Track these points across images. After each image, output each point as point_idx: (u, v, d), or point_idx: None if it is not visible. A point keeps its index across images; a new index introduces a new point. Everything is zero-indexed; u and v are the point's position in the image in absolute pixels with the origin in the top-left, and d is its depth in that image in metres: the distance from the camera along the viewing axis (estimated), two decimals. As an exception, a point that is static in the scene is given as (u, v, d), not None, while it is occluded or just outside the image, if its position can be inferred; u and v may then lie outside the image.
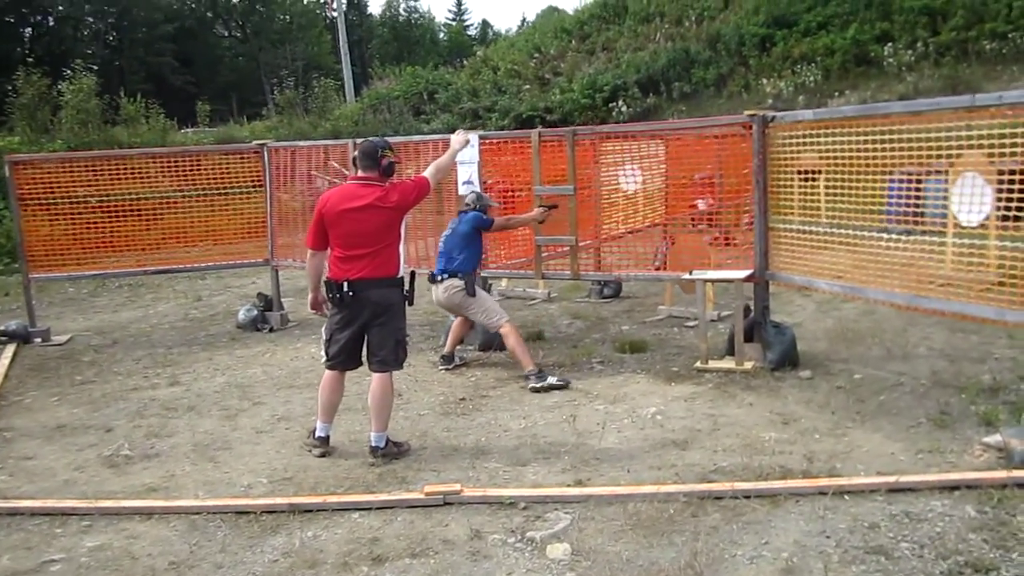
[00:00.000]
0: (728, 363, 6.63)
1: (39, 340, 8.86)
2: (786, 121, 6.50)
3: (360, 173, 5.21)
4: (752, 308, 6.78)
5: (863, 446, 4.90)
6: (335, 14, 35.01)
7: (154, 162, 9.66)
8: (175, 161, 9.51)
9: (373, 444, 5.17)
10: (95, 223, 9.22)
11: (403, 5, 65.15)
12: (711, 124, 7.79)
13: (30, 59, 18.85)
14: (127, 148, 16.36)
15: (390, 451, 5.17)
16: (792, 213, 6.53)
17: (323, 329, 5.44)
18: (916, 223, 5.86)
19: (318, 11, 58.21)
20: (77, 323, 10.03)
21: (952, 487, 4.22)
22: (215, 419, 6.15)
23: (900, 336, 7.22)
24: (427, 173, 5.51)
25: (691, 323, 8.02)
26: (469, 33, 68.93)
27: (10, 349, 8.47)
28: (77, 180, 9.13)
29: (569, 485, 4.58)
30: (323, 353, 5.39)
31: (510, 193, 8.09)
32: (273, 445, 5.54)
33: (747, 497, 4.25)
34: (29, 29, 44.92)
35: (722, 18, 23.98)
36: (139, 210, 9.28)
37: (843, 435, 5.10)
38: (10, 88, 18.68)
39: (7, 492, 4.95)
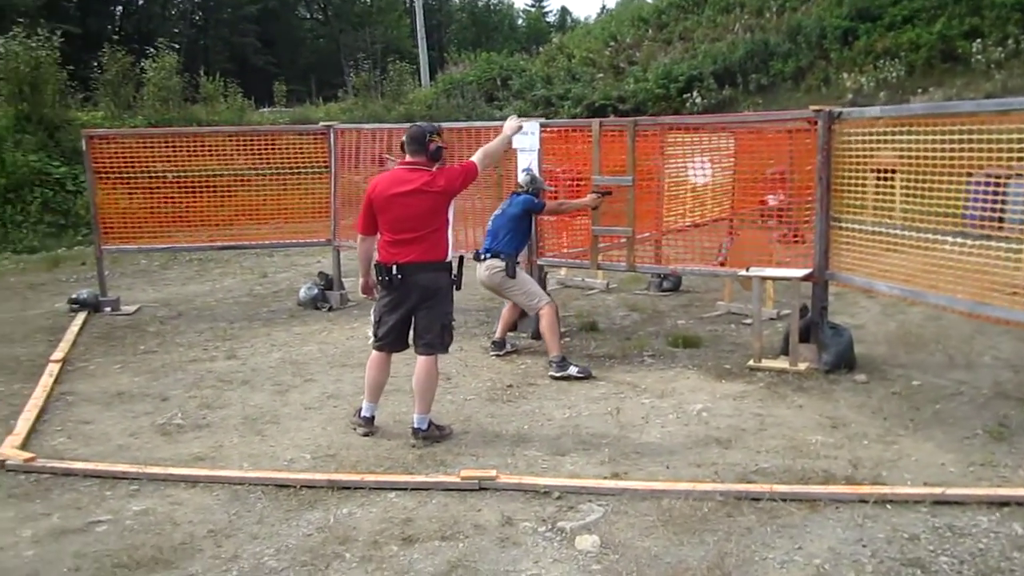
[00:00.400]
0: (782, 363, 6.50)
1: (108, 309, 9.17)
2: (853, 117, 6.32)
3: (408, 158, 5.24)
4: (810, 308, 6.64)
5: (912, 455, 4.76)
6: (413, -2, 35.21)
7: (230, 140, 9.88)
8: (248, 140, 9.71)
9: (415, 426, 5.24)
10: (170, 198, 9.48)
11: (483, -10, 65.16)
12: (776, 119, 7.65)
13: (115, 37, 19.33)
14: (204, 126, 16.79)
15: (432, 434, 5.23)
16: (856, 212, 6.36)
17: (372, 311, 5.50)
18: (998, 227, 5.62)
19: (399, -5, 58.63)
20: (146, 294, 10.34)
21: (1002, 503, 4.08)
22: (267, 393, 6.28)
23: (965, 344, 6.98)
24: (475, 158, 5.48)
25: (749, 321, 7.85)
26: (548, 20, 68.67)
27: (80, 317, 8.78)
28: (152, 155, 9.40)
29: (606, 477, 4.56)
30: (372, 334, 5.46)
31: (574, 182, 8.03)
32: (320, 422, 5.64)
33: (785, 500, 4.17)
34: (120, 7, 46.25)
35: (804, 9, 23.44)
36: (214, 186, 9.51)
37: (893, 442, 4.96)
38: (96, 65, 19.25)
39: (64, 453, 5.15)
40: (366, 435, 5.34)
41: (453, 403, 5.96)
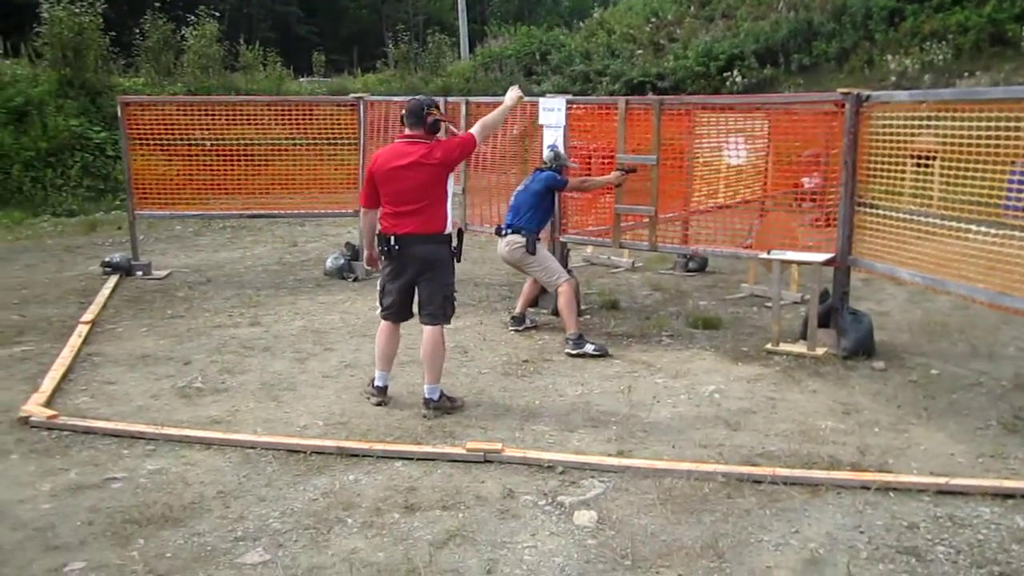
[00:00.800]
0: (800, 347, 6.48)
1: (140, 273, 9.35)
2: (881, 101, 6.23)
3: (407, 131, 5.32)
4: (831, 293, 6.59)
5: (922, 444, 4.74)
6: (455, -30, 35.02)
7: (265, 110, 10.00)
8: (282, 110, 9.81)
9: (427, 396, 5.34)
10: (205, 165, 9.62)
11: (527, -37, 64.55)
12: (803, 100, 7.55)
13: (158, 4, 19.50)
14: (243, 95, 16.94)
15: (443, 404, 5.32)
16: (884, 197, 6.28)
17: (378, 281, 5.59)
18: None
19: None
20: (178, 259, 10.52)
21: (1006, 495, 4.05)
22: (287, 361, 6.39)
23: (990, 334, 6.90)
24: (474, 130, 5.56)
25: (771, 303, 7.83)
26: (592, -6, 67.93)
27: (112, 280, 8.97)
28: (187, 123, 9.53)
29: (610, 455, 4.59)
30: (377, 304, 5.56)
31: (603, 160, 7.98)
32: (335, 390, 5.74)
33: (786, 484, 4.18)
34: (165, -27, 46.54)
35: (850, -12, 22.93)
36: (249, 155, 9.63)
37: (904, 431, 4.94)
38: (138, 31, 19.46)
39: (86, 412, 5.30)
40: (379, 404, 5.43)
41: (468, 376, 6.02)
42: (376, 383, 5.52)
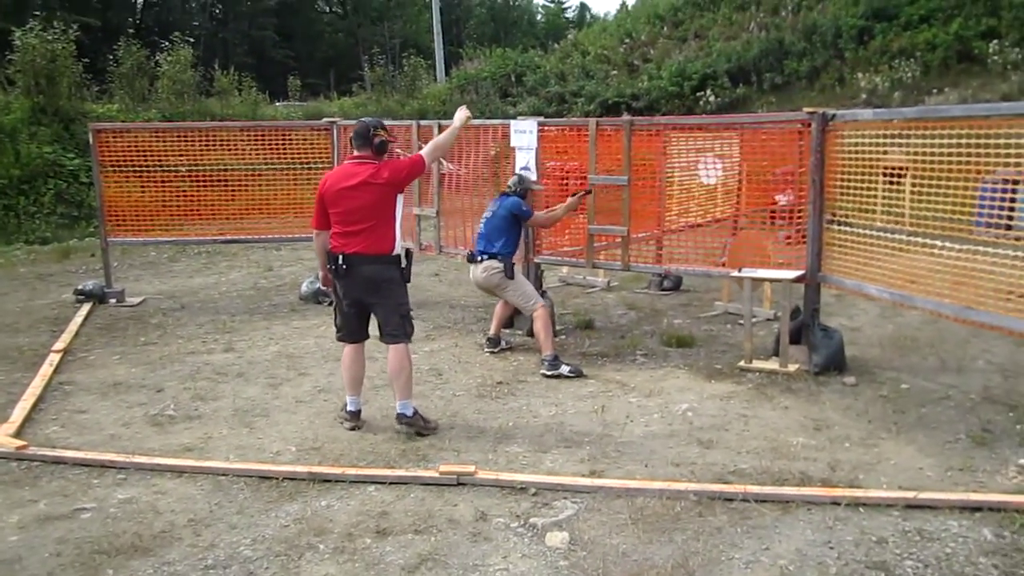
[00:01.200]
0: (772, 364, 6.53)
1: (113, 301, 9.29)
2: (847, 120, 6.33)
3: (355, 152, 5.40)
4: (802, 310, 6.65)
5: (892, 459, 4.78)
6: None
7: (242, 134, 10.00)
8: (259, 134, 9.81)
9: (399, 411, 5.35)
10: (178, 191, 9.61)
11: (502, -14, 65.10)
12: (772, 120, 7.63)
13: (131, 30, 19.52)
14: (218, 119, 16.93)
15: (416, 421, 5.34)
16: (853, 214, 6.36)
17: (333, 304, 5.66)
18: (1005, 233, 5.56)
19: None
20: (152, 286, 10.46)
21: (974, 508, 4.09)
22: (260, 387, 6.37)
23: (960, 348, 6.98)
24: (424, 151, 5.60)
25: (744, 321, 7.89)
26: (567, 16, 68.55)
27: (85, 308, 8.91)
28: (160, 149, 9.53)
29: (583, 475, 4.60)
30: (335, 328, 5.63)
31: (580, 181, 8.01)
32: (308, 416, 5.72)
33: (758, 501, 4.20)
34: (141, 0, 46.58)
35: (820, 8, 23.28)
36: (224, 180, 9.61)
37: (874, 446, 4.98)
38: (111, 58, 19.43)
39: (56, 442, 5.25)
40: (352, 429, 5.43)
41: (442, 398, 6.02)
42: (348, 408, 5.51)
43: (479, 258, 7.05)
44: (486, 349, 7.25)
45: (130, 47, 19.21)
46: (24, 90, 16.46)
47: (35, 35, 16.47)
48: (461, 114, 6.05)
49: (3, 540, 4.03)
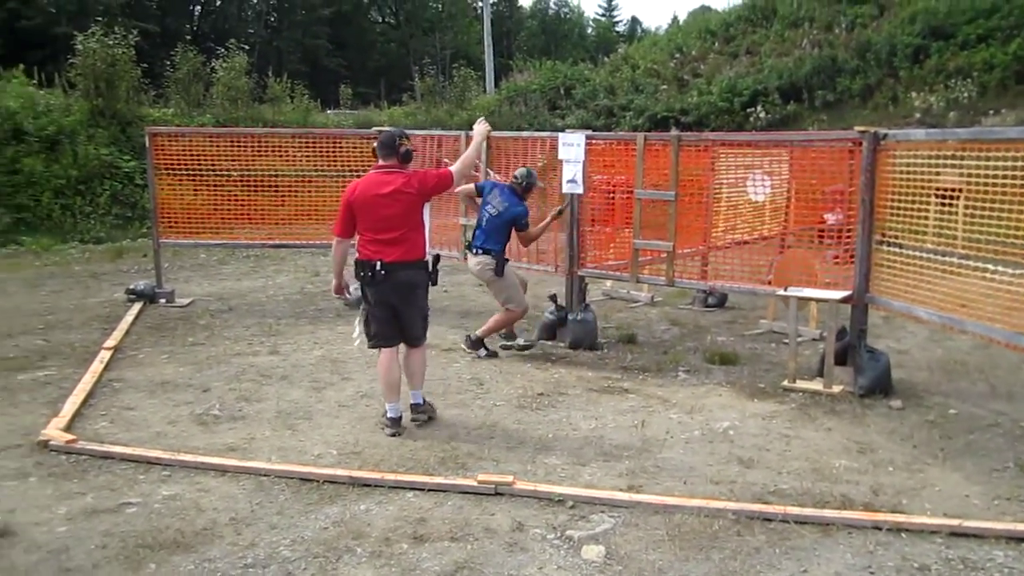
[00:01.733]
0: (816, 384, 6.45)
1: (163, 301, 9.48)
2: (899, 140, 6.25)
3: (381, 162, 5.55)
4: (848, 330, 6.57)
5: (937, 485, 4.70)
6: (481, 4, 35.47)
7: (293, 141, 10.15)
8: (310, 141, 9.94)
9: (413, 402, 5.72)
10: (230, 195, 9.80)
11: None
12: (823, 138, 7.56)
13: (188, 37, 19.95)
14: (270, 126, 17.21)
15: (428, 409, 5.75)
16: (904, 235, 6.27)
17: (358, 316, 5.79)
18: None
19: (469, 0, 59.17)
20: (201, 288, 10.65)
21: (1021, 538, 4.00)
22: (304, 390, 6.45)
23: (1011, 374, 6.84)
24: (454, 168, 5.88)
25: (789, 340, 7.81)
26: (617, 30, 68.57)
27: (136, 307, 9.10)
28: (213, 153, 9.70)
29: (621, 490, 4.59)
30: (365, 337, 5.69)
31: (626, 194, 8.01)
32: (351, 420, 5.78)
33: (798, 522, 4.16)
34: (198, 7, 47.57)
35: (874, 26, 22.99)
36: (274, 186, 9.77)
37: (919, 471, 4.90)
38: (168, 63, 19.86)
39: (104, 437, 5.37)
40: (393, 435, 5.49)
41: (483, 408, 6.04)
42: (389, 415, 5.56)
43: (476, 251, 7.41)
44: (465, 347, 7.48)
45: (187, 53, 19.62)
46: (84, 93, 16.88)
47: (96, 40, 16.90)
48: (481, 127, 6.42)
49: (52, 531, 4.13)
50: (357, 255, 5.54)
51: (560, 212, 7.79)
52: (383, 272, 5.38)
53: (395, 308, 5.52)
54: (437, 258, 5.75)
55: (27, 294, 10.13)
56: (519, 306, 7.41)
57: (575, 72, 28.03)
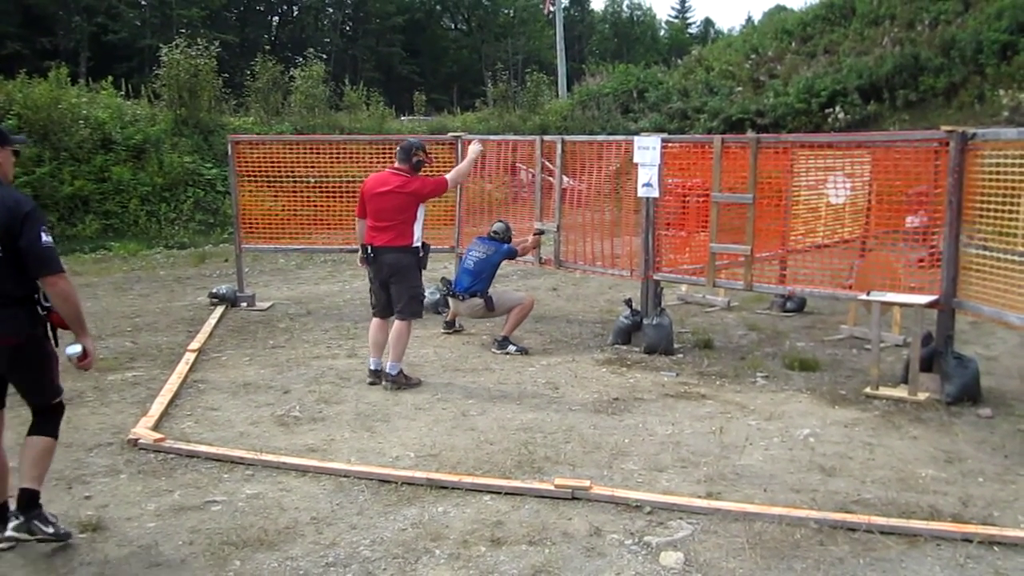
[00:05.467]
0: (900, 392, 6.28)
1: (244, 304, 9.71)
2: (988, 139, 6.05)
3: (396, 164, 6.81)
4: (934, 336, 6.37)
5: (1030, 496, 4.53)
6: (552, 9, 35.51)
7: (369, 147, 10.30)
8: (385, 147, 10.05)
9: (387, 371, 6.59)
10: (308, 201, 10.01)
11: (626, 2, 65.08)
12: (906, 138, 7.36)
13: (267, 47, 20.47)
14: (346, 133, 17.51)
15: (400, 379, 6.57)
16: (994, 238, 6.06)
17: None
18: None
19: (540, 5, 59.29)
20: (281, 292, 10.89)
21: (1122, 553, 3.83)
22: (381, 392, 6.53)
23: (1109, 382, 6.55)
24: (449, 176, 7.06)
25: (871, 346, 7.61)
26: (691, 32, 67.88)
27: (219, 311, 9.35)
28: (291, 160, 9.92)
29: (699, 496, 4.53)
30: (371, 305, 7.00)
31: (700, 198, 7.94)
32: (427, 422, 5.83)
33: (883, 533, 4.05)
34: (276, 18, 48.71)
35: (959, 23, 22.32)
36: (352, 192, 9.88)
37: (1011, 482, 4.73)
38: (249, 72, 20.39)
39: (191, 436, 5.53)
40: (372, 383, 6.64)
41: (558, 412, 6.03)
42: (371, 367, 6.76)
43: (463, 296, 7.97)
44: (493, 349, 7.77)
45: (266, 63, 20.12)
46: (168, 103, 17.47)
47: (180, 51, 17.47)
48: (475, 147, 7.49)
49: (142, 526, 4.27)
50: (363, 239, 6.76)
51: (541, 232, 8.57)
52: (372, 254, 6.66)
53: (386, 283, 6.68)
54: (427, 247, 6.81)
55: (116, 297, 10.49)
56: (523, 302, 7.97)
57: (648, 75, 27.88)
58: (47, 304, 3.90)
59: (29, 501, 3.94)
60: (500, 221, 8.47)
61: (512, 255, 8.26)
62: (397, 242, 6.60)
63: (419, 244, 6.71)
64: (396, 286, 6.66)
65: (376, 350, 6.80)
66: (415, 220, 6.67)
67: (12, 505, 4.03)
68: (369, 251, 6.68)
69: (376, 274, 6.74)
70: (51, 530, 3.95)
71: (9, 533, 3.95)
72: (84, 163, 15.29)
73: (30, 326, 3.89)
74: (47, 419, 4.10)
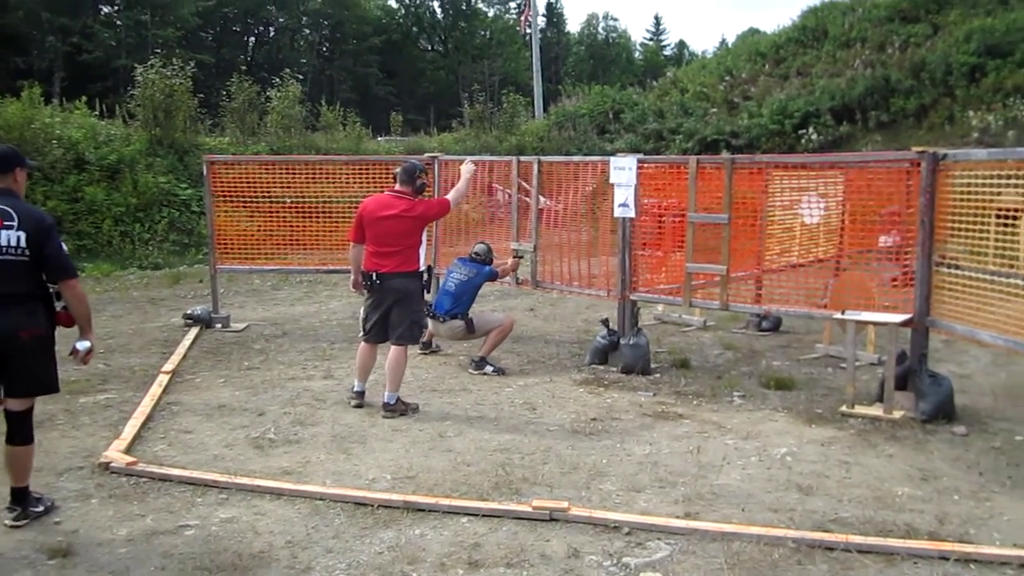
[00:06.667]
0: (875, 410, 6.31)
1: (219, 326, 9.63)
2: (959, 160, 6.13)
3: (397, 187, 6.53)
4: (909, 354, 6.42)
5: (1006, 514, 4.55)
6: (529, 31, 35.75)
7: (346, 168, 10.26)
8: (362, 168, 10.04)
9: (385, 401, 6.39)
10: (284, 221, 9.94)
11: (602, 24, 65.69)
12: (879, 159, 7.44)
13: (243, 67, 20.44)
14: (323, 153, 17.48)
15: (398, 407, 6.38)
16: (965, 257, 6.14)
17: (361, 310, 6.78)
18: None
19: (517, 28, 59.71)
20: (256, 313, 10.80)
21: (1097, 569, 3.86)
22: (357, 414, 6.48)
23: (1080, 400, 6.62)
24: (450, 196, 6.90)
25: (846, 364, 7.66)
26: (665, 54, 68.57)
27: (193, 332, 9.25)
28: (267, 180, 9.88)
29: (678, 516, 4.52)
30: (361, 328, 6.73)
31: (675, 218, 7.99)
32: (404, 444, 5.78)
33: (860, 552, 4.05)
34: (252, 38, 48.70)
35: (929, 45, 22.72)
36: (328, 212, 9.87)
37: (986, 499, 4.76)
38: (225, 93, 20.33)
39: (164, 460, 5.45)
40: (357, 406, 6.54)
41: (535, 433, 6.01)
42: (355, 389, 6.66)
43: (443, 318, 7.90)
44: (470, 370, 7.73)
45: (242, 83, 20.07)
46: (143, 123, 17.37)
47: (155, 71, 17.39)
48: (468, 167, 7.21)
49: (113, 552, 4.19)
50: (363, 264, 6.52)
51: (519, 256, 8.57)
52: (378, 281, 6.40)
53: (389, 309, 6.45)
54: (430, 270, 6.78)
55: (88, 319, 10.33)
56: (503, 323, 7.94)
57: (624, 96, 28.09)
58: (54, 305, 4.56)
59: (21, 495, 4.53)
60: (482, 243, 8.42)
61: (494, 277, 8.25)
62: (403, 267, 6.41)
63: (424, 268, 6.63)
64: (399, 311, 6.45)
65: (363, 374, 6.66)
66: (419, 244, 6.55)
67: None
68: (374, 278, 6.42)
69: (379, 302, 6.49)
70: (41, 508, 4.59)
71: (9, 523, 4.47)
72: (57, 183, 15.14)
73: (48, 320, 4.53)
74: (23, 424, 4.52)
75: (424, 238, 6.57)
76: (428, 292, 6.59)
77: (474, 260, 8.15)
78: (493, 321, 8.00)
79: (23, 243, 4.37)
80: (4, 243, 4.34)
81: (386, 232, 6.38)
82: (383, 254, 6.39)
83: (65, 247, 4.54)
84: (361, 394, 6.63)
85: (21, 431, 4.51)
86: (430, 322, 8.05)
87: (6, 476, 4.56)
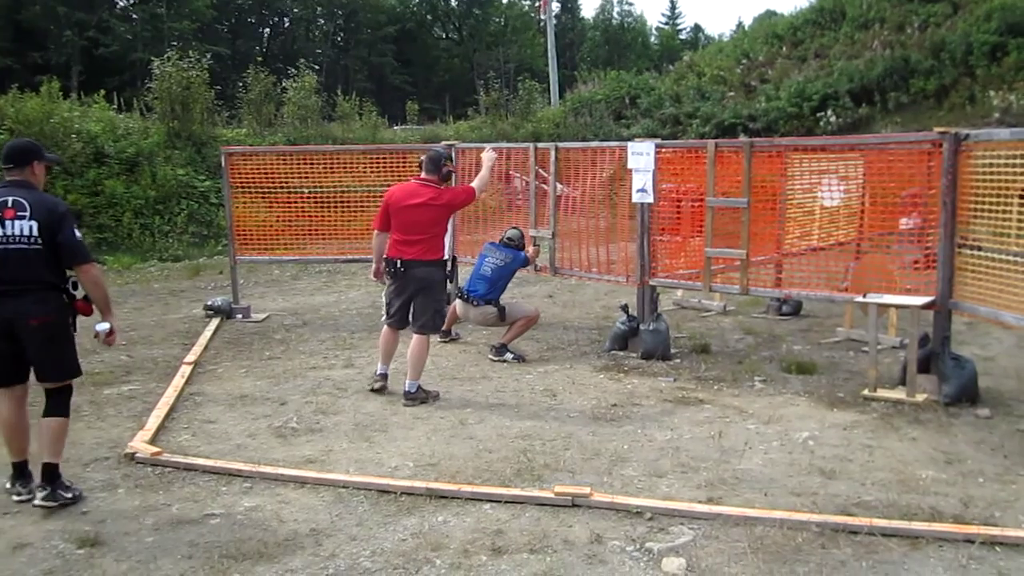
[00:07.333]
0: (898, 393, 6.27)
1: (240, 316, 9.68)
2: (981, 140, 6.06)
3: (423, 175, 6.52)
4: (931, 337, 6.37)
5: (1031, 496, 4.52)
6: (545, 17, 35.59)
7: (363, 157, 10.28)
8: (379, 157, 10.06)
9: (406, 389, 6.41)
10: (303, 212, 9.98)
11: (616, 9, 65.28)
12: (900, 140, 7.37)
13: (259, 58, 20.46)
14: (339, 143, 17.50)
15: (419, 395, 6.40)
16: (988, 239, 6.07)
17: (383, 295, 6.86)
18: None
19: (532, 14, 59.43)
20: (276, 303, 10.86)
21: (1124, 551, 3.83)
22: (379, 402, 6.51)
23: (1106, 381, 6.55)
24: (475, 184, 6.91)
25: (868, 348, 7.61)
26: (681, 38, 68.09)
27: (214, 323, 9.31)
28: (286, 171, 9.90)
29: (700, 501, 4.52)
30: (384, 313, 6.78)
31: (694, 203, 7.95)
32: (426, 432, 5.81)
33: (884, 535, 4.04)
34: (267, 29, 48.77)
35: (948, 25, 22.40)
36: (346, 202, 9.90)
37: (1011, 482, 4.72)
38: (241, 84, 20.38)
39: (187, 449, 5.50)
40: (381, 388, 6.62)
41: (556, 419, 6.02)
42: (378, 372, 6.72)
43: (477, 302, 7.87)
44: (490, 356, 7.76)
45: (258, 74, 20.09)
46: (161, 116, 17.43)
47: (172, 64, 17.44)
48: (488, 154, 7.21)
49: (140, 540, 4.24)
50: (387, 252, 6.48)
51: (538, 246, 8.58)
52: (402, 269, 6.40)
53: (411, 297, 6.48)
54: (455, 260, 6.73)
55: (111, 311, 10.42)
56: (531, 314, 8.00)
57: (640, 81, 27.93)
58: (73, 293, 4.67)
59: (51, 474, 4.61)
60: (514, 228, 8.42)
61: (527, 263, 8.23)
62: (428, 256, 6.43)
63: (448, 257, 6.65)
64: (421, 300, 6.48)
65: (386, 357, 6.73)
66: (445, 232, 6.63)
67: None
68: (398, 265, 6.43)
69: (402, 289, 6.52)
70: (71, 495, 4.64)
71: (38, 503, 4.56)
72: (77, 177, 15.23)
73: (60, 309, 4.62)
74: (58, 400, 4.68)
75: (450, 227, 6.59)
76: (452, 282, 6.49)
77: (507, 245, 8.12)
78: (523, 311, 8.01)
79: (35, 232, 4.48)
80: (17, 232, 4.46)
81: (413, 220, 6.38)
82: (409, 242, 6.39)
83: (79, 233, 4.65)
84: (384, 376, 6.68)
85: (55, 405, 4.67)
86: (460, 304, 8.05)
87: (39, 457, 4.68)
